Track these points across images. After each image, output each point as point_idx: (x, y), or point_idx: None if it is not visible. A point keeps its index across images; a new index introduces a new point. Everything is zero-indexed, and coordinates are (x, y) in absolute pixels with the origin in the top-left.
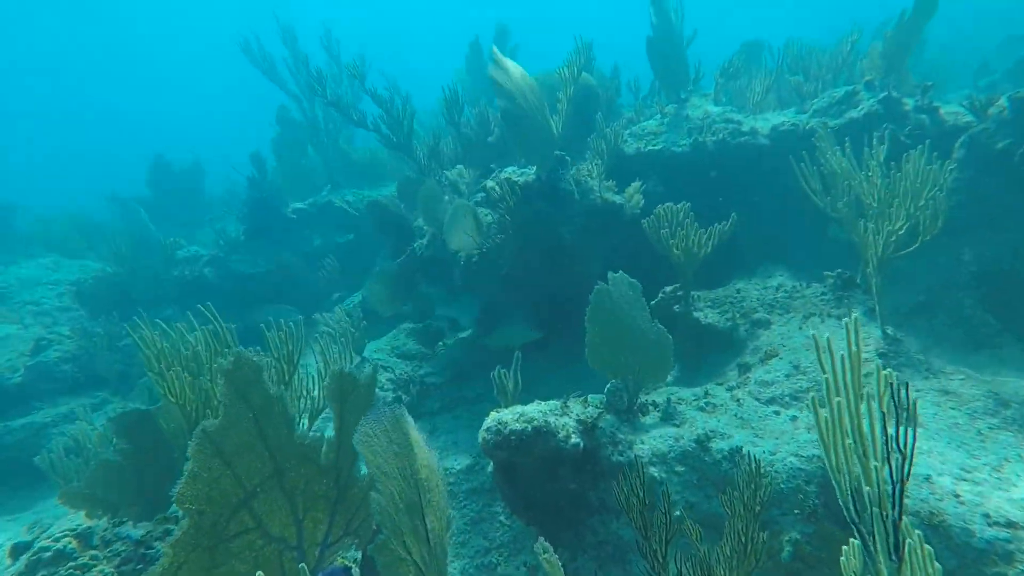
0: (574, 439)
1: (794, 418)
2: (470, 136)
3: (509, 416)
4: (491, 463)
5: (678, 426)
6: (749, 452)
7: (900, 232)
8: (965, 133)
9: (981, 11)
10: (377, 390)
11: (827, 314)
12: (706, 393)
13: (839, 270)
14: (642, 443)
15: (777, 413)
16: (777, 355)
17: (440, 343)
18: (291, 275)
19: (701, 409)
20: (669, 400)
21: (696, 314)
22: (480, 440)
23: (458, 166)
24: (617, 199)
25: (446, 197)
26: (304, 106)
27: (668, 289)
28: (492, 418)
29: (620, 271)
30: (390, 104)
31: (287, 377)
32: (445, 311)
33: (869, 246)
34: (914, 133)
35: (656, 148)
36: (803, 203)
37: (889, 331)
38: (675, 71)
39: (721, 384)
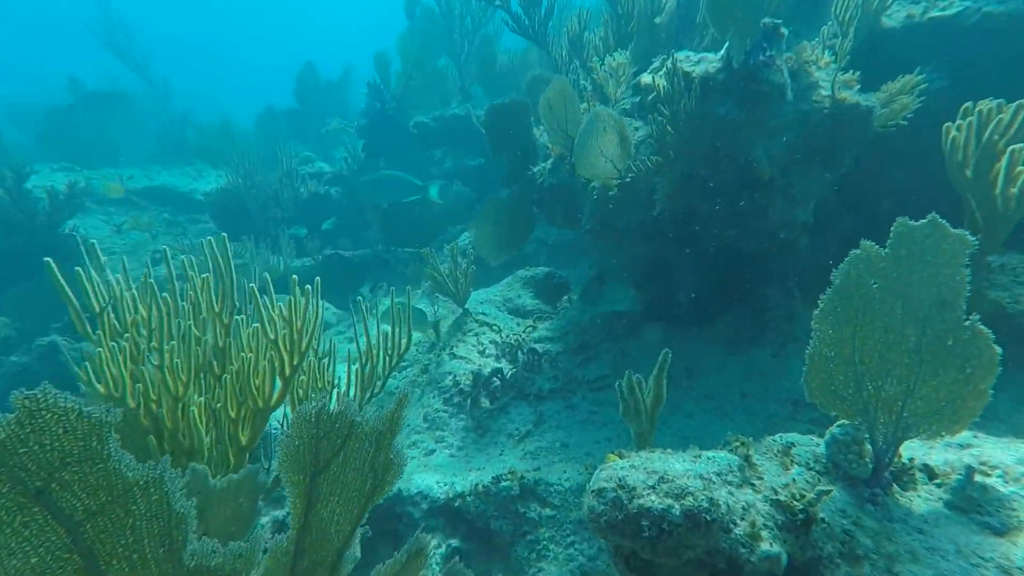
0: (766, 545)
1: None
2: (630, 15)
3: (638, 476)
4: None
5: (1001, 534)
6: None
7: None
8: None
9: None
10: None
11: None
12: None
13: None
14: (912, 561)
15: None
16: None
17: (565, 298)
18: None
19: None
20: (969, 470)
21: (994, 294)
22: (586, 509)
23: (613, 55)
24: (864, 101)
25: (584, 104)
26: None
27: None
28: (609, 473)
29: (867, 237)
30: None
31: (288, 371)
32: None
33: None
34: None
35: (947, 14)
36: None
37: None
38: None
39: None
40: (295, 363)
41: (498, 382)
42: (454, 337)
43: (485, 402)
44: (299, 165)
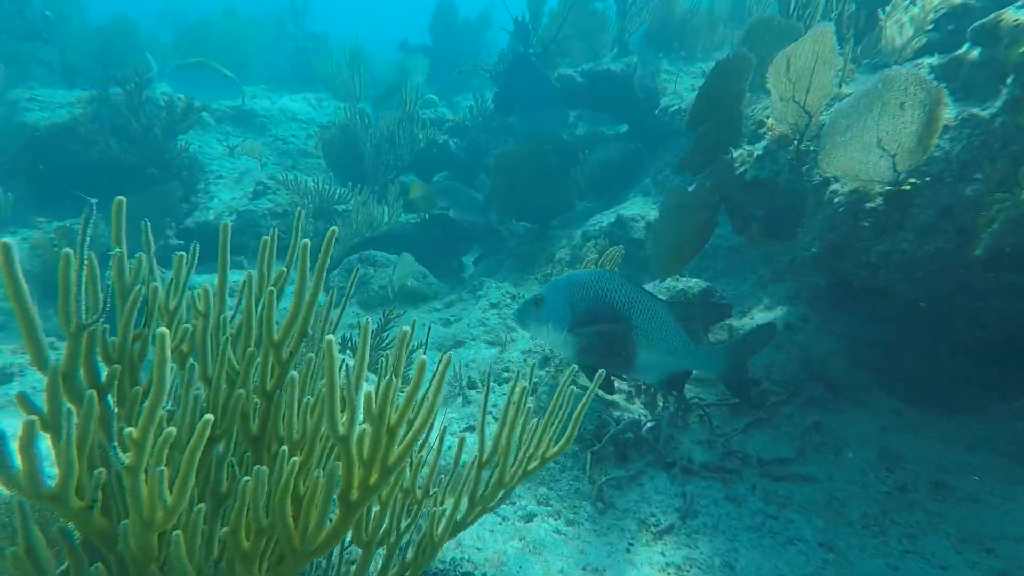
0: None
1: None
2: None
3: None
4: None
5: None
6: None
7: None
8: None
9: None
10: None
11: None
12: None
13: None
14: None
15: None
16: None
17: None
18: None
19: None
20: None
21: None
22: None
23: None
24: None
25: (840, 60)
26: None
27: None
28: None
29: None
30: None
31: (357, 495)
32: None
33: None
34: None
35: None
36: None
37: None
38: None
39: None
40: (372, 484)
41: (631, 436)
42: None
43: (610, 462)
44: (421, 108)
